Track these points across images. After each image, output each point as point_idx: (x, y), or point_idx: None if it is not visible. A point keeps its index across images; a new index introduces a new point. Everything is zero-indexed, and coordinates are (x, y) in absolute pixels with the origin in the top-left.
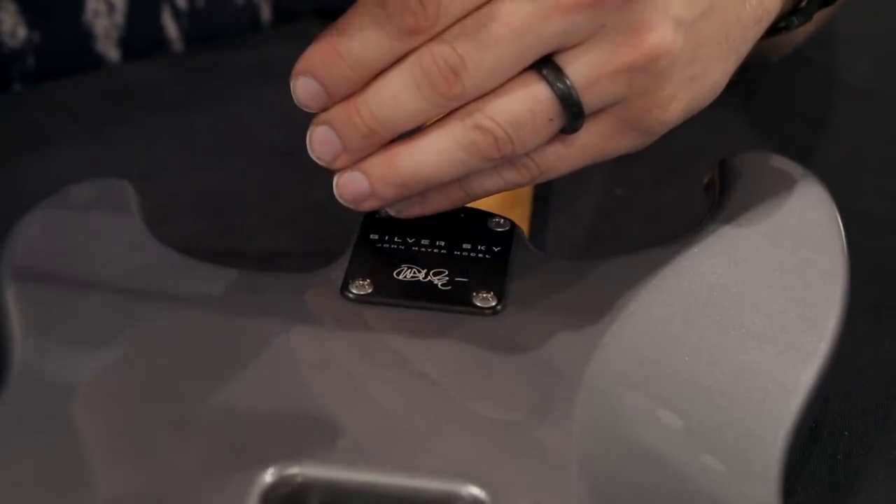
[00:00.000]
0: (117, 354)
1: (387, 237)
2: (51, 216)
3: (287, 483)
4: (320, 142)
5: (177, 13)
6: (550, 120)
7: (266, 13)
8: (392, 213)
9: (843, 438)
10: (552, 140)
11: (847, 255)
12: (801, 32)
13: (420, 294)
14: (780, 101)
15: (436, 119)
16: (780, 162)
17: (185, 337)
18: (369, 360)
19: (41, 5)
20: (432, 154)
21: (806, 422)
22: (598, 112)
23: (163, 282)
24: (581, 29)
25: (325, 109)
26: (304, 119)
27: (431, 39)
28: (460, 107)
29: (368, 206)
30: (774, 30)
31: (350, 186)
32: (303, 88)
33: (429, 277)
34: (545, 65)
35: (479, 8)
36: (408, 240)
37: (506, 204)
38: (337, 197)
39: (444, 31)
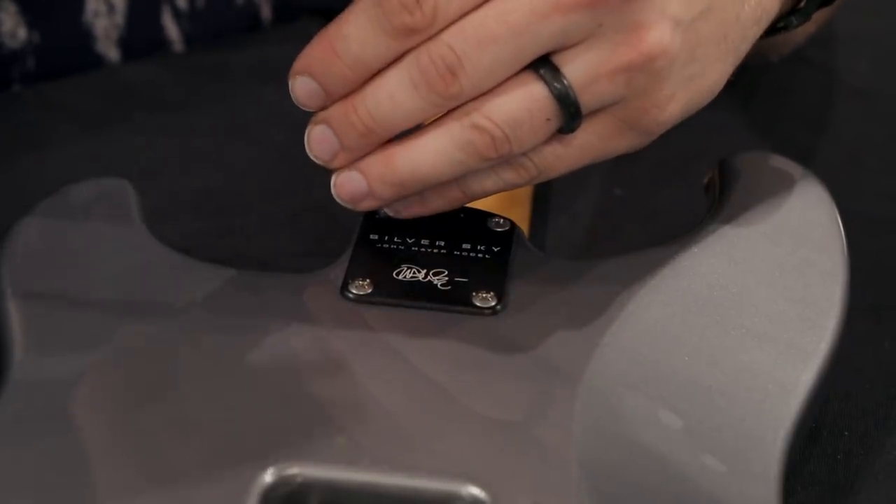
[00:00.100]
0: (117, 355)
1: (386, 237)
2: (51, 216)
3: (287, 483)
4: (318, 140)
5: (177, 13)
6: (548, 120)
7: (266, 13)
8: (391, 213)
9: (843, 438)
10: (550, 140)
11: (847, 255)
12: (801, 32)
13: (420, 294)
14: (779, 101)
15: (433, 119)
16: (780, 162)
17: (185, 337)
18: (369, 360)
19: (41, 6)
20: (430, 154)
21: (806, 422)
22: (596, 112)
23: (163, 282)
24: (579, 28)
25: (323, 108)
26: (304, 119)
27: (429, 39)
28: (458, 106)
29: (366, 205)
30: (773, 30)
31: (347, 186)
32: (301, 87)
33: (428, 277)
34: (543, 64)
35: (476, 7)
36: (407, 240)
37: (505, 204)
38: (334, 196)
39: (441, 30)
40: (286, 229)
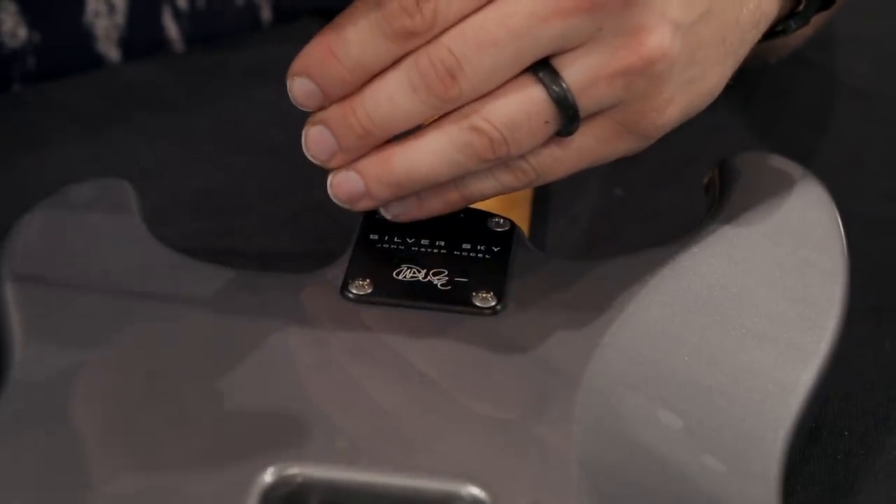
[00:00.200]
0: (117, 354)
1: (386, 237)
2: (51, 216)
3: (287, 483)
4: (316, 141)
5: (177, 13)
6: (546, 122)
7: (266, 13)
8: (389, 217)
9: (843, 438)
10: (549, 143)
11: (847, 256)
12: (799, 35)
13: (420, 294)
14: (780, 102)
15: (432, 121)
16: (780, 162)
17: (185, 337)
18: (369, 360)
19: (41, 5)
20: (427, 154)
21: (806, 422)
22: (594, 115)
23: (163, 282)
24: (579, 32)
25: (321, 108)
26: (303, 119)
27: (428, 42)
28: (456, 108)
29: (363, 205)
30: (772, 33)
31: (345, 186)
32: (299, 88)
33: (428, 277)
34: (542, 67)
35: (476, 11)
36: (407, 240)
37: (506, 204)
38: (331, 196)
39: (440, 33)
40: (286, 229)
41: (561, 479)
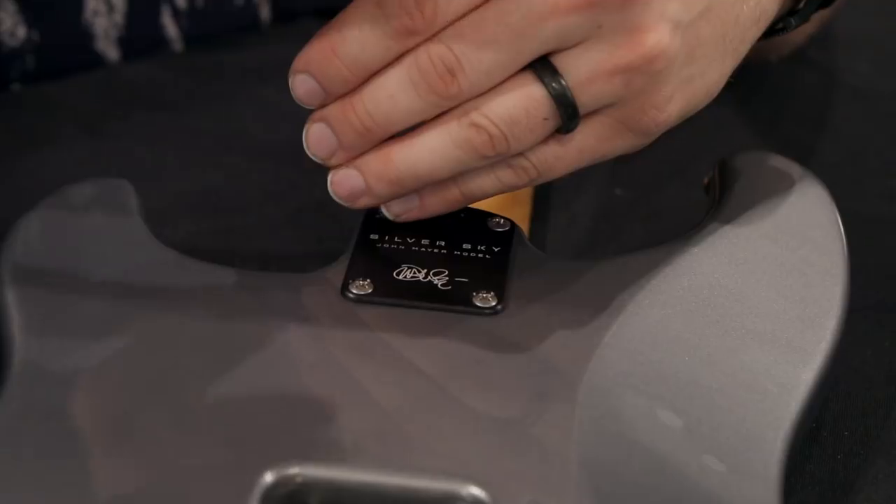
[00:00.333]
0: (117, 354)
1: (387, 237)
2: (51, 216)
3: (287, 483)
4: (316, 138)
5: (176, 13)
6: (545, 119)
7: (266, 13)
8: (390, 217)
9: (843, 438)
10: (549, 141)
11: (847, 255)
12: (800, 33)
13: (420, 294)
14: (780, 101)
15: (432, 118)
16: (780, 162)
17: (185, 337)
18: (369, 360)
19: (41, 5)
20: (427, 151)
21: (806, 422)
22: (594, 113)
23: (163, 282)
24: (578, 30)
25: (323, 105)
26: (304, 119)
27: (428, 39)
28: (456, 105)
29: (363, 203)
30: (772, 31)
31: (345, 183)
32: (301, 85)
33: (429, 277)
34: (541, 65)
35: (476, 8)
36: (408, 240)
37: (506, 204)
38: (332, 194)
39: (440, 31)
40: (286, 229)
41: (561, 478)
